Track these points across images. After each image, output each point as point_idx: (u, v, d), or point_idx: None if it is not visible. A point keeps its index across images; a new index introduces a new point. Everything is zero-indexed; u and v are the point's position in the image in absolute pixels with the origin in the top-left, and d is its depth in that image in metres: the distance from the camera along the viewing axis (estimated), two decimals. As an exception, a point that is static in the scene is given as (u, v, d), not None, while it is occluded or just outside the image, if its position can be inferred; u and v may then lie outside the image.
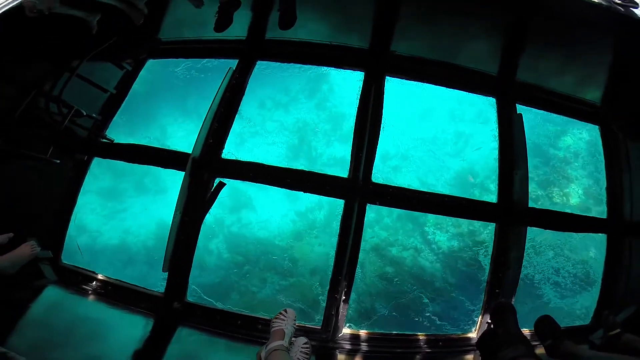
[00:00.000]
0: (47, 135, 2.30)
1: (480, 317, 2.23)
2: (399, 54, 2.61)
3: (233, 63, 2.56)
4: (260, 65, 2.65)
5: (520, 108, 2.59)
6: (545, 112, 2.88)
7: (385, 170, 4.34)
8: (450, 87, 2.75)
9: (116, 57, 2.64)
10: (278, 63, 2.71)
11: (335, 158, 4.30)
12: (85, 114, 2.36)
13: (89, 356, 1.67)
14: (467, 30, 2.48)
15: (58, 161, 2.32)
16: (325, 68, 2.62)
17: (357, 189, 2.22)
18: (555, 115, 2.90)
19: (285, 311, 1.68)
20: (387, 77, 2.62)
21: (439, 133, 4.56)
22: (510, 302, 2.10)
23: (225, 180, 2.14)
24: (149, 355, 1.82)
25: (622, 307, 2.17)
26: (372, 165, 2.30)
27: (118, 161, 2.45)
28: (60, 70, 2.33)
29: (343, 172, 2.28)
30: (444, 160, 4.40)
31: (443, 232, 4.06)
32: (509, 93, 2.66)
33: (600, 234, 2.47)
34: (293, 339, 1.64)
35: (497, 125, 2.59)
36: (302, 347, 1.65)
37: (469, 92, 2.78)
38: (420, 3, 2.34)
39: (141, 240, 3.65)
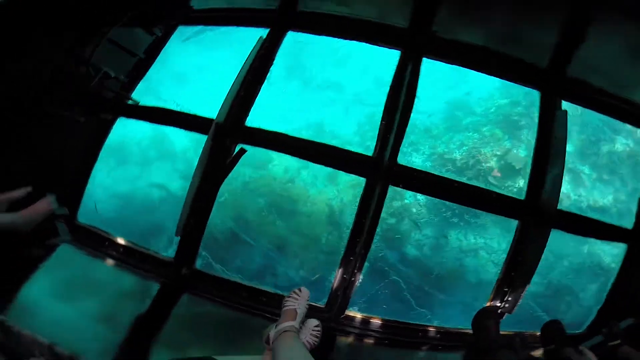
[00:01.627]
0: (75, 95, 2.31)
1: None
2: (441, 35, 2.46)
3: (264, 32, 2.50)
4: (291, 36, 2.57)
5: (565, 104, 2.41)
6: (593, 112, 2.64)
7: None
8: (491, 74, 2.57)
9: (147, 23, 2.63)
10: (309, 35, 2.60)
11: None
12: (113, 75, 2.36)
13: (94, 316, 1.70)
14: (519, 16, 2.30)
15: (83, 119, 2.34)
16: (360, 44, 2.49)
17: (382, 169, 2.11)
18: (603, 116, 2.68)
19: (300, 290, 1.59)
20: (425, 59, 2.49)
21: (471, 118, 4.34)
22: (495, 308, 2.08)
23: (247, 148, 2.08)
24: (152, 318, 1.83)
25: (623, 318, 2.08)
26: (399, 147, 2.19)
27: (142, 122, 2.44)
28: (92, 33, 2.34)
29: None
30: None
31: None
32: (555, 87, 2.47)
33: (621, 243, 2.33)
34: (304, 320, 1.56)
35: (537, 120, 2.42)
36: (313, 330, 1.57)
37: (511, 81, 2.59)
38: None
39: (158, 203, 3.65)
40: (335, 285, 2.06)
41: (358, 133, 4.05)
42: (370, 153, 2.19)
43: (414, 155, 4.08)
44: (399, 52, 2.48)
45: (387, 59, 2.55)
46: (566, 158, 2.12)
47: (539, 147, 2.32)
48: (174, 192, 3.74)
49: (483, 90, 4.38)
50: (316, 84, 4.32)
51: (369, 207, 2.08)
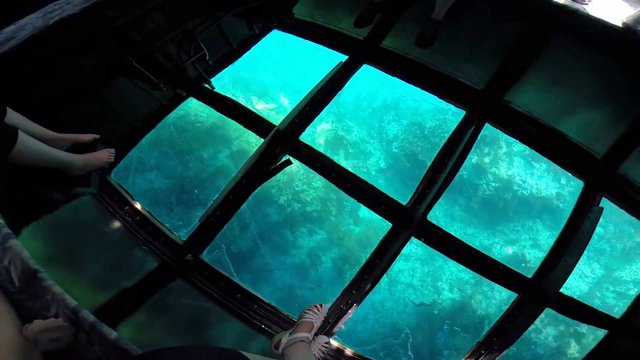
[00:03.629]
0: (168, 66, 2.59)
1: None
2: (512, 105, 2.45)
3: (343, 57, 2.64)
4: (365, 69, 2.68)
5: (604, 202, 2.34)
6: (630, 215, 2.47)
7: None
8: (544, 155, 2.53)
9: (252, 19, 2.88)
10: (381, 71, 2.70)
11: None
12: (207, 58, 2.60)
13: (89, 274, 1.73)
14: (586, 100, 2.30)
15: (165, 89, 2.56)
16: (426, 93, 2.55)
17: (413, 220, 2.14)
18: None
19: (321, 306, 1.68)
20: (487, 124, 2.49)
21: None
22: None
23: (293, 160, 2.22)
24: (139, 291, 1.86)
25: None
26: (434, 204, 2.22)
27: (209, 106, 2.65)
28: (207, 15, 2.62)
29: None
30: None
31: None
32: (602, 183, 2.39)
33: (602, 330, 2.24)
34: (315, 335, 1.65)
35: (572, 208, 2.37)
36: (322, 346, 1.66)
37: (561, 166, 2.54)
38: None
39: (193, 185, 3.90)
40: (329, 311, 2.11)
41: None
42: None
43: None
44: (464, 111, 2.51)
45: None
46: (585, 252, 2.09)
47: (564, 234, 2.29)
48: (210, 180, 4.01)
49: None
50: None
51: (387, 251, 2.13)
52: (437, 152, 2.32)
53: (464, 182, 4.18)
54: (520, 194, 4.20)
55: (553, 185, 4.23)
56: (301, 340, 1.46)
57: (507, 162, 4.27)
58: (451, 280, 3.87)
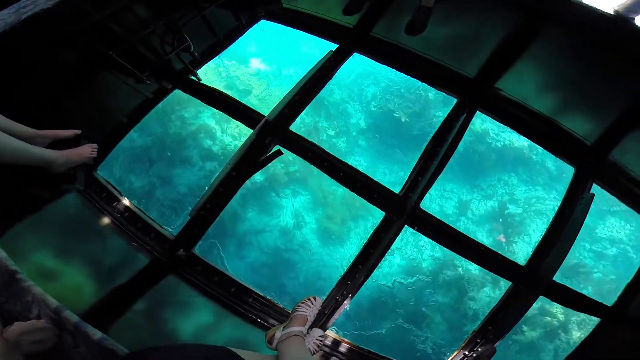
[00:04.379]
0: (151, 58, 2.50)
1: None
2: (504, 93, 2.44)
3: (333, 46, 2.60)
4: (355, 57, 2.64)
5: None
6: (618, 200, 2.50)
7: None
8: (535, 142, 2.55)
9: (238, 8, 2.80)
10: (372, 60, 2.66)
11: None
12: (192, 50, 2.53)
13: (65, 269, 1.66)
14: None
15: (149, 82, 2.48)
16: (419, 83, 2.52)
17: (405, 208, 2.12)
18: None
19: (314, 298, 1.64)
20: (478, 112, 2.48)
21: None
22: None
23: (283, 150, 2.18)
24: (130, 288, 1.82)
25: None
26: (427, 192, 2.22)
27: (196, 99, 2.58)
28: (191, 6, 2.53)
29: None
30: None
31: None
32: (593, 169, 2.41)
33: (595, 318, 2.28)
34: (310, 328, 1.61)
35: (563, 195, 2.38)
36: (316, 339, 1.62)
37: (552, 153, 2.54)
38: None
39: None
40: (324, 303, 2.09)
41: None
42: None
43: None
44: (456, 99, 2.49)
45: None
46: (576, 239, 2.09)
47: (556, 221, 2.30)
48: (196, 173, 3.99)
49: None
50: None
51: (381, 240, 2.10)
52: (428, 139, 2.31)
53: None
54: (494, 146, 4.28)
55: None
56: (295, 335, 1.42)
57: (481, 117, 4.33)
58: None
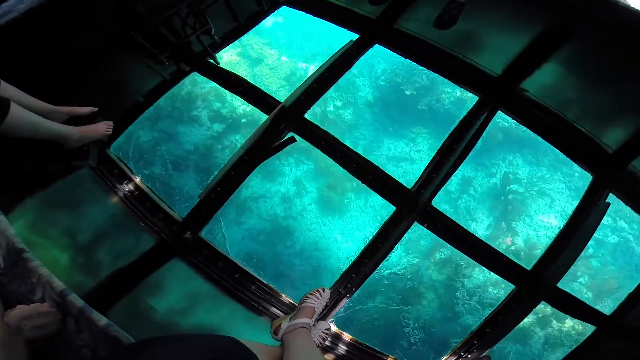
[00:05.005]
0: (172, 40, 2.51)
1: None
2: (529, 95, 2.36)
3: (354, 36, 2.55)
4: (376, 49, 2.59)
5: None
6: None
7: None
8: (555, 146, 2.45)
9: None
10: (394, 53, 2.60)
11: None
12: (212, 33, 2.53)
13: (79, 245, 1.70)
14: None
15: (167, 63, 2.51)
16: (438, 77, 2.46)
17: (417, 205, 2.08)
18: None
19: (323, 290, 1.62)
20: (499, 112, 2.41)
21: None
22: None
23: (297, 138, 2.16)
24: (134, 269, 1.83)
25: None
26: (440, 189, 2.17)
27: (213, 82, 2.59)
28: None
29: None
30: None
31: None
32: (612, 178, 2.31)
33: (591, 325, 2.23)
34: (316, 321, 1.59)
35: (578, 202, 2.30)
36: (322, 332, 1.60)
37: (572, 159, 2.45)
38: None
39: (192, 160, 3.92)
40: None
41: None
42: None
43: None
44: (478, 97, 2.42)
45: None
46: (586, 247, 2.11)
47: (567, 227, 2.23)
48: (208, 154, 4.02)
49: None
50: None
51: (389, 235, 2.07)
52: (446, 135, 2.24)
53: (448, 115, 4.21)
54: (501, 126, 4.18)
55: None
56: (302, 326, 1.39)
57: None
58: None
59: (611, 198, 2.28)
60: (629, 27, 1.86)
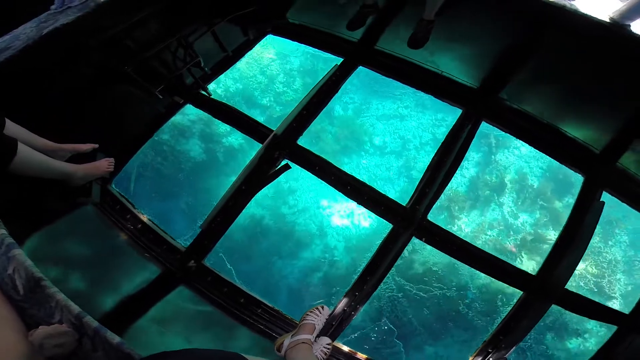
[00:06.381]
0: (164, 73, 2.58)
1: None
2: (508, 103, 2.47)
3: (338, 60, 2.65)
4: (360, 71, 2.69)
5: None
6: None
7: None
8: (542, 151, 2.56)
9: (246, 24, 2.89)
10: (377, 74, 2.71)
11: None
12: (202, 65, 2.61)
13: (83, 278, 1.71)
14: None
15: (161, 97, 2.54)
16: (422, 94, 2.56)
17: (413, 221, 2.15)
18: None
19: (322, 307, 1.69)
20: (483, 123, 2.51)
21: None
22: None
23: (291, 164, 2.23)
24: (140, 299, 1.85)
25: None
26: (434, 203, 2.23)
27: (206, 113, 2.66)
28: (202, 22, 2.61)
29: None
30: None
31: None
32: (603, 176, 2.41)
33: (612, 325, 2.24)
34: (317, 337, 1.66)
35: (573, 204, 2.38)
36: (324, 347, 1.66)
37: (560, 161, 2.57)
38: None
39: (191, 193, 3.95)
40: (333, 313, 2.12)
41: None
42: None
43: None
44: (461, 110, 2.52)
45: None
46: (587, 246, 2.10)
47: (566, 230, 2.29)
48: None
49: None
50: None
51: (389, 252, 2.13)
52: (434, 151, 2.33)
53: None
54: None
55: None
56: (303, 342, 1.48)
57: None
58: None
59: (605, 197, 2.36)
60: (591, 33, 1.97)
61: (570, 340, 3.70)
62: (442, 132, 4.30)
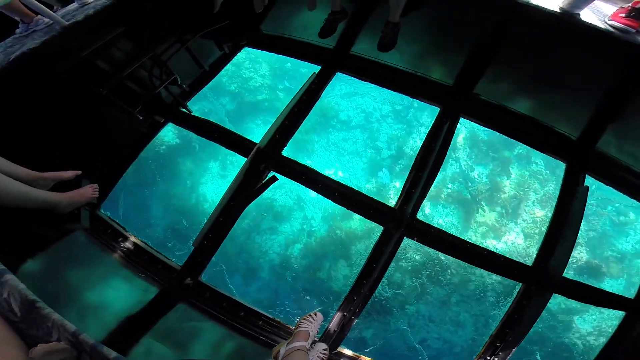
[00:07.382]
0: (141, 93, 2.56)
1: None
2: (483, 98, 2.54)
3: (316, 68, 2.68)
4: (338, 77, 2.73)
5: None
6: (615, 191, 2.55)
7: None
8: (522, 142, 2.63)
9: (221, 39, 2.91)
10: (355, 79, 2.75)
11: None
12: (179, 82, 2.59)
13: (82, 305, 1.70)
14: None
15: (141, 117, 2.53)
16: (401, 95, 2.61)
17: (402, 221, 2.18)
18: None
19: (315, 314, 1.72)
20: (462, 119, 2.57)
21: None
22: None
23: (278, 176, 2.24)
24: (140, 319, 1.85)
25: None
26: (422, 202, 2.28)
27: (189, 131, 2.64)
28: (174, 39, 2.60)
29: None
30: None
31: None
32: (583, 161, 2.49)
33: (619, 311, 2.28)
34: (314, 343, 1.68)
35: (558, 192, 2.44)
36: (320, 353, 1.68)
37: (540, 151, 2.63)
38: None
39: (183, 210, 3.91)
40: (333, 320, 2.14)
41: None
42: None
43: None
44: (438, 108, 2.58)
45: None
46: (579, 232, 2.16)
47: (556, 218, 2.34)
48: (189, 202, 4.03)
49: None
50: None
51: (382, 254, 2.16)
52: (416, 151, 2.38)
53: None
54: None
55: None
56: (298, 349, 1.50)
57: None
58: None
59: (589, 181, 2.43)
60: (546, 23, 2.03)
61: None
62: (399, 103, 4.47)
